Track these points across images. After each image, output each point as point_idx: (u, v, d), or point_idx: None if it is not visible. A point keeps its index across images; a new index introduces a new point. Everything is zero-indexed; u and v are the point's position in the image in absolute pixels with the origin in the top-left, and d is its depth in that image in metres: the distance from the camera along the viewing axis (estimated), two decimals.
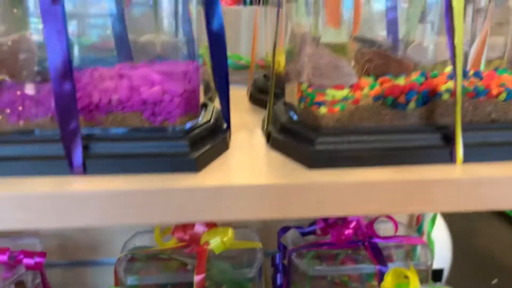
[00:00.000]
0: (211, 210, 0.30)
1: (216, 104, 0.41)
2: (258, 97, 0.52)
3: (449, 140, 0.33)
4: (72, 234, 0.72)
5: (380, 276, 0.58)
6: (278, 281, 0.66)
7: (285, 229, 0.67)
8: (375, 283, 0.60)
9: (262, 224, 0.71)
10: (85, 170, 0.31)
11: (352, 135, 0.33)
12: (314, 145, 0.32)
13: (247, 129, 0.43)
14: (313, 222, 0.66)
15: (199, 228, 0.60)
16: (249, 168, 0.33)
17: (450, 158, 0.33)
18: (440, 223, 0.89)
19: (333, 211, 0.31)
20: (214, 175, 0.31)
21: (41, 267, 0.62)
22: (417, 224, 0.73)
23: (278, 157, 0.35)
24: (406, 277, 0.46)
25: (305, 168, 0.32)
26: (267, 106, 0.43)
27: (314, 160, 0.32)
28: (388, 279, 0.45)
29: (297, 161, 0.33)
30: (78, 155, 0.31)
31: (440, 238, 0.84)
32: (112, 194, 0.29)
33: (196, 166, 0.31)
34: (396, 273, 0.45)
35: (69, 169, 0.31)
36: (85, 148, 0.32)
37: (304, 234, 0.66)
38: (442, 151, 0.33)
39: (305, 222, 0.67)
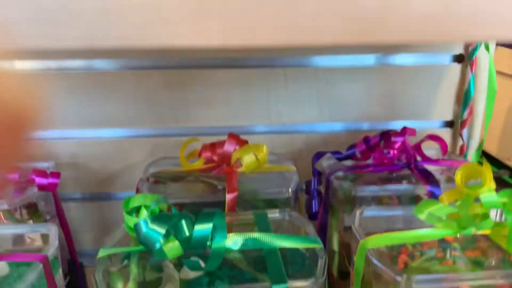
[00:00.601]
0: None
1: None
2: None
3: None
4: (87, 164, 0.66)
5: (432, 198, 0.53)
6: (314, 208, 0.60)
7: (319, 155, 0.61)
8: None
9: (292, 156, 0.66)
10: None
11: None
12: None
13: None
14: (352, 145, 0.60)
15: (229, 147, 0.55)
16: None
17: None
18: None
19: None
20: None
21: (55, 189, 0.56)
22: (460, 154, 0.67)
23: None
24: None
25: None
26: None
27: None
28: (458, 178, 0.39)
29: None
30: None
31: None
32: None
33: None
34: (467, 169, 0.39)
35: None
36: None
37: (340, 159, 0.60)
38: None
39: (341, 147, 0.61)
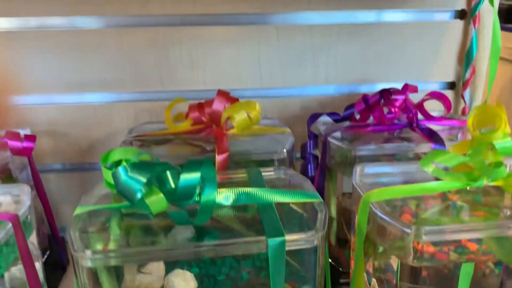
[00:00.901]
0: None
1: None
2: None
3: None
4: (67, 132, 0.62)
5: None
6: (309, 173, 0.57)
7: (315, 116, 0.58)
8: None
9: (286, 122, 0.62)
10: None
11: None
12: None
13: None
14: (350, 105, 0.56)
15: (218, 105, 0.51)
16: None
17: None
18: None
19: None
20: None
21: (30, 153, 0.52)
22: (462, 115, 0.64)
23: None
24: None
25: None
26: None
27: None
28: (470, 122, 0.36)
29: None
30: None
31: None
32: None
33: None
34: (480, 112, 0.35)
35: None
36: None
37: (337, 121, 0.57)
38: None
39: (337, 111, 0.58)
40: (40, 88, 0.60)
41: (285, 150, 0.49)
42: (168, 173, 0.33)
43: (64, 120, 0.61)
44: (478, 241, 0.38)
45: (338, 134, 0.53)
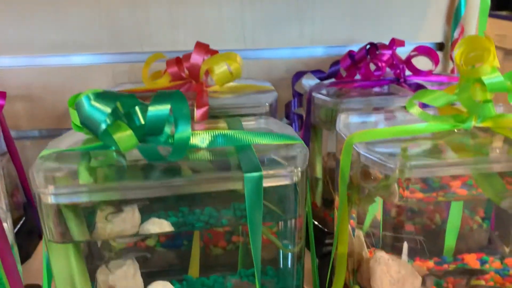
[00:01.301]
0: None
1: None
2: None
3: None
4: (42, 96, 0.59)
5: None
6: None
7: (299, 74, 0.56)
8: None
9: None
10: None
11: None
12: None
13: None
14: (335, 62, 0.55)
15: (197, 58, 0.49)
16: None
17: None
18: None
19: None
20: None
21: (0, 111, 0.50)
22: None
23: None
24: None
25: None
26: None
27: None
28: (458, 56, 0.34)
29: None
30: None
31: None
32: None
33: None
34: (469, 43, 0.34)
35: None
36: None
37: (322, 79, 0.55)
38: None
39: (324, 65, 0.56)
40: (12, 49, 0.57)
41: (267, 104, 0.47)
42: (136, 108, 0.31)
43: (39, 84, 0.59)
44: (468, 187, 0.36)
45: (323, 90, 0.51)
